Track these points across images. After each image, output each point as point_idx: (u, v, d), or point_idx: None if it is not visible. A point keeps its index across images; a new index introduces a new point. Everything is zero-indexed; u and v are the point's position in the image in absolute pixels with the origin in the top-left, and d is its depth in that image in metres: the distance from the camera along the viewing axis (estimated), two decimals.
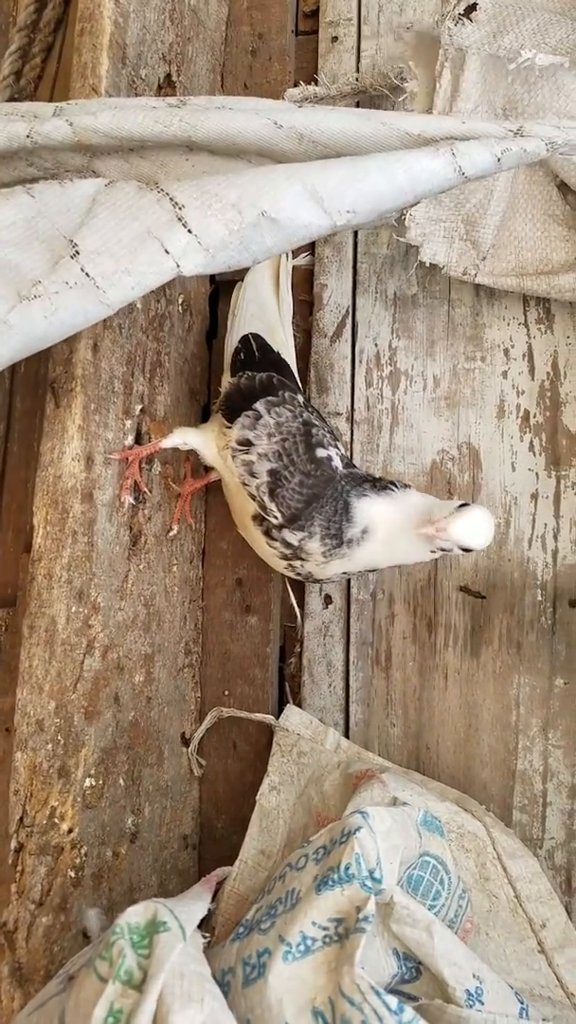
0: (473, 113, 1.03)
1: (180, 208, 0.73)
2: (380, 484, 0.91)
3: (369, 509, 0.90)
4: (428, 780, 1.05)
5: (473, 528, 0.85)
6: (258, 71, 1.29)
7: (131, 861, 0.99)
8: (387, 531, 0.90)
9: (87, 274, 0.74)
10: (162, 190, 0.74)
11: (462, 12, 1.20)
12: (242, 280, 1.11)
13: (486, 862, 0.95)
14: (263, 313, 1.09)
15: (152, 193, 0.74)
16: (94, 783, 0.92)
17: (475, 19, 1.19)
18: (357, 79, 1.17)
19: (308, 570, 0.96)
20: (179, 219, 0.73)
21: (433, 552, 0.89)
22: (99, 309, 0.76)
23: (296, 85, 1.24)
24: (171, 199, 0.74)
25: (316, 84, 1.24)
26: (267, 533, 0.96)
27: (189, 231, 0.74)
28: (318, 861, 0.74)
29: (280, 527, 0.93)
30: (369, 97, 1.19)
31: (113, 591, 0.95)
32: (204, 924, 0.80)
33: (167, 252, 0.74)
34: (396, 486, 0.91)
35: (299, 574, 0.97)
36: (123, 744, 0.97)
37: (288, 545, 0.94)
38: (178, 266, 0.75)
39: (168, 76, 1.12)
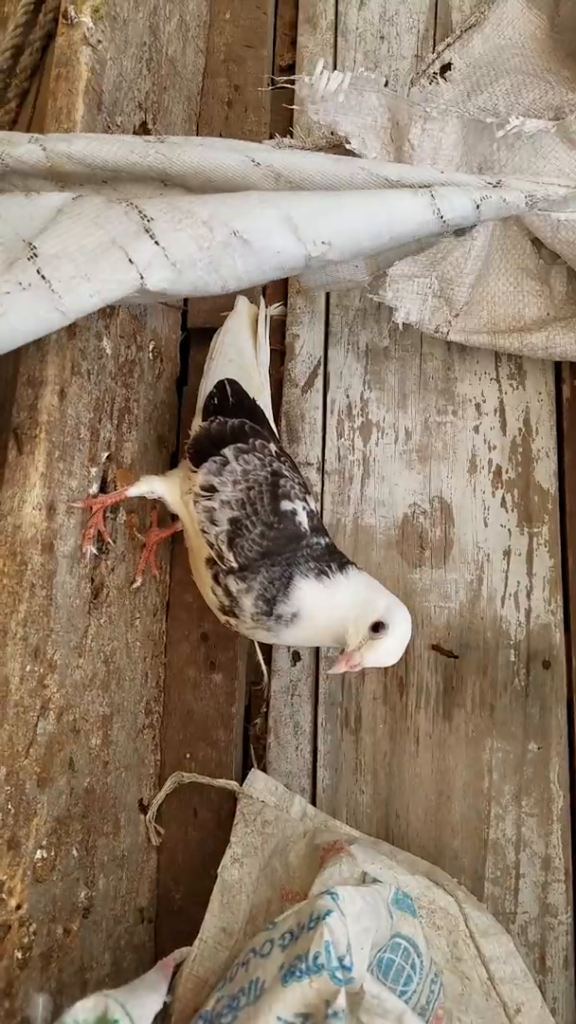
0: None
1: (149, 220, 0.71)
2: (326, 564, 0.89)
3: (306, 593, 0.88)
4: (397, 850, 1.00)
5: (386, 656, 0.86)
6: (234, 121, 1.30)
7: (83, 938, 0.92)
8: (314, 623, 0.89)
9: (43, 276, 0.70)
10: (131, 203, 0.72)
11: (437, 71, 1.22)
12: (220, 327, 1.10)
13: (458, 940, 0.90)
14: (241, 359, 1.07)
15: (120, 205, 0.72)
16: (46, 855, 0.86)
17: (450, 78, 1.21)
18: (332, 132, 1.17)
19: (241, 631, 0.93)
20: (147, 231, 0.70)
21: None
22: (54, 316, 0.72)
23: (271, 137, 1.24)
24: (140, 211, 0.71)
25: (291, 136, 1.25)
26: (215, 577, 0.93)
27: (156, 243, 0.71)
28: (284, 948, 0.69)
29: (228, 572, 0.90)
30: (344, 152, 1.19)
31: (71, 648, 0.90)
32: (159, 1018, 0.74)
33: (131, 262, 0.70)
34: (331, 571, 0.88)
35: (237, 631, 0.94)
36: (77, 812, 0.91)
37: (228, 594, 0.91)
38: (142, 278, 0.71)
39: (144, 124, 1.11)
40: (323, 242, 0.72)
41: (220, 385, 1.01)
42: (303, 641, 0.97)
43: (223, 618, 0.95)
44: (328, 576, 0.88)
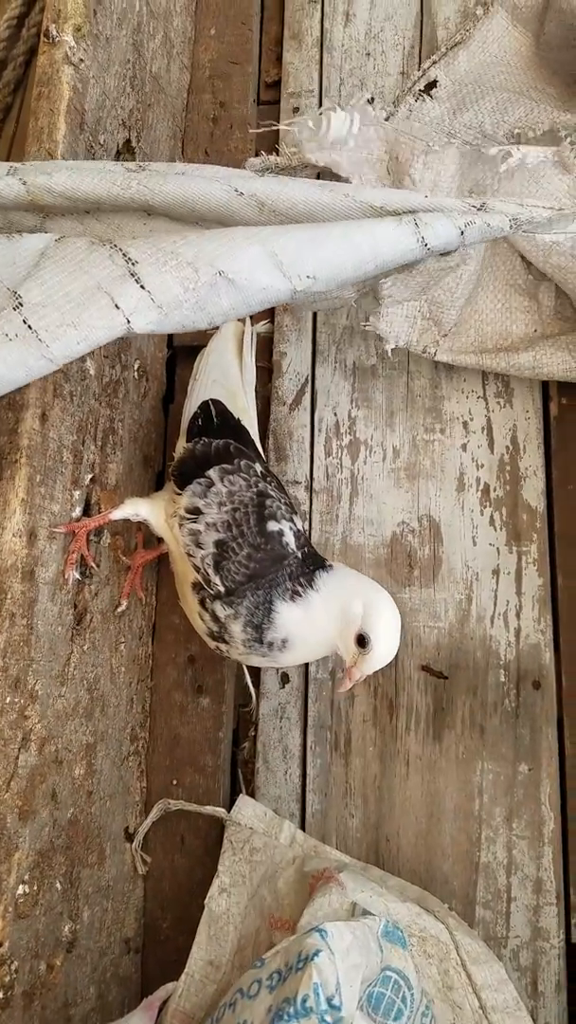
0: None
1: (133, 264, 0.70)
2: (297, 582, 0.88)
3: (288, 618, 0.87)
4: (388, 876, 0.99)
5: (381, 662, 0.87)
6: (219, 139, 1.29)
7: (67, 973, 0.90)
8: (306, 643, 0.89)
9: (29, 326, 0.69)
10: (115, 246, 0.71)
11: (422, 88, 1.22)
12: (206, 345, 1.08)
13: (449, 968, 0.89)
14: (225, 379, 1.06)
15: (104, 248, 0.71)
16: (27, 890, 0.84)
17: (435, 96, 1.21)
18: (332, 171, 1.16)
19: (232, 656, 0.92)
20: (132, 274, 0.70)
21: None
22: (42, 364, 0.72)
23: (257, 154, 1.23)
24: (124, 254, 0.70)
25: (277, 154, 1.24)
26: (202, 603, 0.91)
27: (142, 287, 0.70)
28: (272, 989, 0.68)
29: (214, 597, 0.89)
30: (329, 170, 1.18)
31: (53, 677, 0.89)
32: None
33: (117, 307, 0.70)
34: (303, 589, 0.88)
35: (227, 656, 0.93)
36: (61, 844, 0.89)
37: (216, 619, 0.90)
38: (129, 322, 0.71)
39: (128, 142, 1.10)
40: (308, 276, 0.71)
41: (204, 406, 1.00)
42: (303, 660, 0.96)
43: (212, 644, 0.93)
44: (301, 595, 0.87)
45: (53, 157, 0.92)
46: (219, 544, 0.90)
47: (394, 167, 1.04)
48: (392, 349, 1.10)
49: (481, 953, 0.91)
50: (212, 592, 0.90)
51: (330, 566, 0.90)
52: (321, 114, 1.01)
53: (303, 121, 1.04)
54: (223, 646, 0.92)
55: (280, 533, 0.91)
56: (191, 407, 1.02)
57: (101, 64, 1.02)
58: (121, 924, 1.00)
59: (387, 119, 1.15)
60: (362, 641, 0.85)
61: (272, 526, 0.91)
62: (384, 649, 0.86)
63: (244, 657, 0.92)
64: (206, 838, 1.05)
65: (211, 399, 1.00)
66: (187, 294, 0.70)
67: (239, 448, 0.97)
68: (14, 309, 0.69)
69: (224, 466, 0.94)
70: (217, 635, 0.91)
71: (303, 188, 0.75)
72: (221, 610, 0.89)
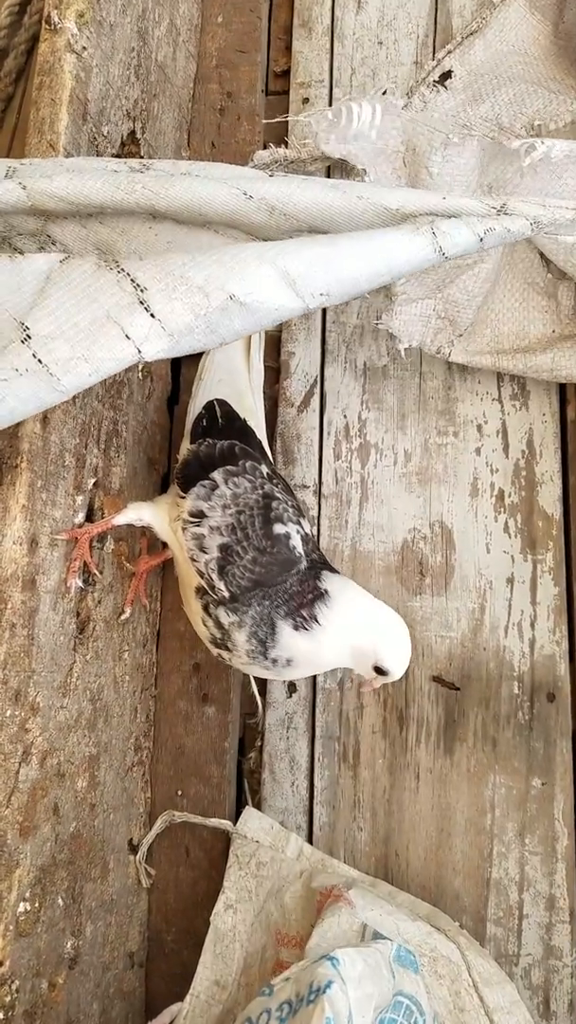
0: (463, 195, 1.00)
1: (142, 291, 0.67)
2: (299, 615, 0.84)
3: (293, 643, 0.84)
4: (397, 892, 0.97)
5: (396, 676, 0.86)
6: (226, 130, 1.25)
7: (69, 990, 0.88)
8: (312, 664, 0.88)
9: (39, 360, 0.67)
10: (123, 270, 0.68)
11: (437, 79, 1.18)
12: None
13: (460, 990, 0.87)
14: (232, 378, 1.03)
15: (111, 273, 0.68)
16: (29, 907, 0.82)
17: (450, 87, 1.17)
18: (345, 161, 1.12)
19: (235, 665, 0.90)
20: (141, 302, 0.67)
21: None
22: (53, 396, 0.69)
23: (265, 147, 1.20)
24: (132, 280, 0.67)
25: (286, 146, 1.20)
26: (205, 608, 0.89)
27: (152, 315, 0.67)
28: (283, 1021, 0.65)
29: (218, 603, 0.86)
30: (342, 161, 1.15)
31: (55, 688, 0.86)
32: None
33: (128, 337, 0.67)
34: (307, 623, 0.84)
35: (229, 664, 0.91)
36: (63, 859, 0.87)
37: (219, 626, 0.87)
38: (139, 352, 0.68)
39: (132, 133, 1.06)
40: (322, 294, 0.68)
41: (209, 406, 0.97)
42: (306, 675, 0.95)
43: (215, 651, 0.91)
44: (307, 628, 0.84)
45: (55, 149, 0.89)
46: (223, 548, 0.87)
47: (411, 159, 1.01)
48: (405, 349, 1.07)
49: (493, 974, 0.89)
50: (216, 597, 0.87)
51: (328, 594, 0.85)
52: (342, 106, 0.98)
53: (322, 112, 1.01)
54: (225, 654, 0.89)
55: (287, 536, 0.88)
56: (196, 408, 0.99)
57: (105, 52, 0.98)
58: (125, 938, 0.98)
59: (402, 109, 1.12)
60: (379, 671, 0.85)
61: (278, 529, 0.88)
62: (400, 673, 0.86)
63: (246, 667, 0.89)
64: (211, 850, 1.02)
65: (216, 399, 0.97)
66: (198, 320, 0.68)
67: (244, 449, 0.94)
68: (22, 342, 0.66)
69: (229, 468, 0.91)
70: (220, 642, 0.88)
71: (314, 190, 0.72)
72: (225, 616, 0.86)
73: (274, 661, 0.85)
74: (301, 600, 0.84)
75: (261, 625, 0.84)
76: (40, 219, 0.78)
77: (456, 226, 0.74)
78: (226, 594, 0.86)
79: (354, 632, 0.84)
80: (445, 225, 0.73)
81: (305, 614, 0.84)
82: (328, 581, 0.86)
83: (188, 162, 0.78)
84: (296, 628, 0.84)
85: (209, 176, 0.77)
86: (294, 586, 0.85)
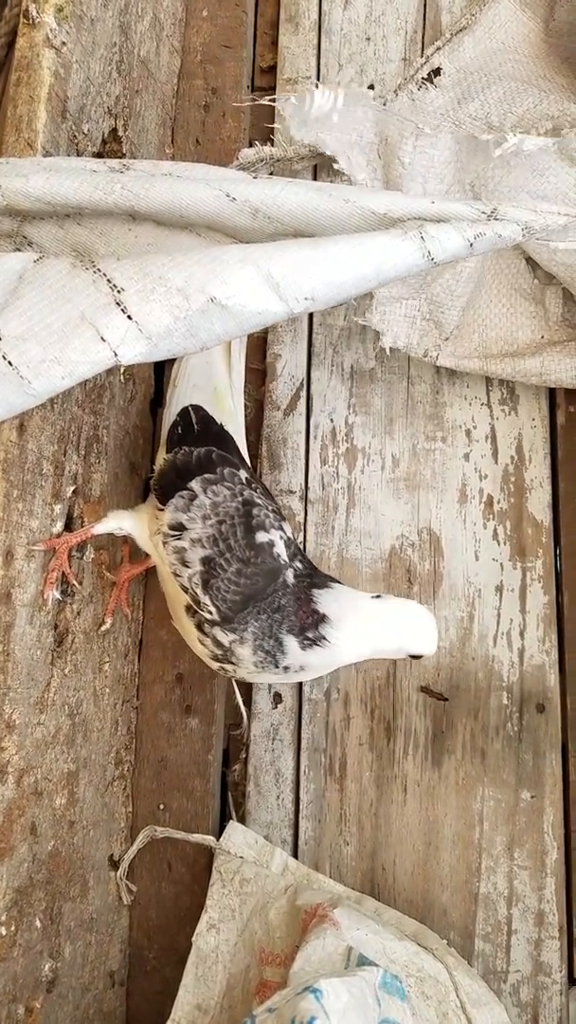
0: (446, 194, 0.97)
1: (119, 292, 0.64)
2: (305, 636, 0.82)
3: (304, 656, 0.82)
4: (384, 908, 0.95)
5: (431, 653, 0.85)
6: (211, 127, 1.22)
7: (47, 1014, 0.86)
8: (326, 667, 0.86)
9: (9, 362, 0.64)
10: (99, 270, 0.65)
11: (425, 76, 1.15)
12: None
13: (448, 1011, 0.85)
14: (209, 382, 1.00)
15: (87, 273, 0.65)
16: (5, 931, 0.79)
17: (439, 84, 1.14)
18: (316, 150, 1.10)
19: (240, 676, 0.87)
20: (117, 303, 0.64)
21: None
22: (24, 399, 0.67)
23: (251, 144, 1.17)
24: (108, 280, 0.65)
25: (272, 144, 1.17)
26: (199, 627, 0.86)
27: (129, 317, 0.65)
28: None
29: (212, 623, 0.84)
30: (328, 160, 1.12)
31: (32, 704, 0.84)
32: None
33: (103, 340, 0.65)
34: (317, 642, 0.82)
35: (232, 676, 0.89)
36: (40, 880, 0.84)
37: (219, 645, 0.85)
38: (115, 355, 0.66)
39: (114, 131, 1.03)
40: (306, 298, 0.66)
41: (184, 413, 0.94)
42: (320, 674, 0.92)
43: (215, 665, 0.88)
44: (317, 645, 0.81)
45: (32, 148, 0.86)
46: (206, 561, 0.84)
47: (384, 150, 0.98)
48: (391, 350, 1.05)
49: (482, 994, 0.87)
50: (207, 617, 0.84)
51: (327, 618, 0.83)
52: (306, 91, 0.96)
53: (287, 97, 0.99)
54: (229, 667, 0.87)
55: (271, 544, 0.86)
56: (170, 415, 0.96)
57: (85, 48, 0.95)
58: (105, 957, 0.96)
59: (385, 106, 1.09)
60: (415, 656, 0.85)
61: (261, 537, 0.86)
62: (434, 649, 0.85)
63: (255, 676, 0.87)
64: (194, 864, 1.00)
65: (191, 405, 0.94)
66: (177, 323, 0.65)
67: (222, 455, 0.91)
68: None
69: (207, 476, 0.88)
70: (222, 658, 0.86)
71: (299, 193, 0.69)
72: (224, 636, 0.84)
73: (286, 668, 0.83)
74: (303, 622, 0.82)
75: (266, 639, 0.82)
76: (15, 220, 0.75)
77: (445, 231, 0.71)
78: (213, 610, 0.84)
79: (370, 640, 0.83)
80: (434, 230, 0.71)
81: (311, 636, 0.82)
82: (322, 602, 0.83)
83: (170, 163, 0.75)
84: (303, 648, 0.82)
85: (191, 177, 0.74)
86: (290, 604, 0.83)
